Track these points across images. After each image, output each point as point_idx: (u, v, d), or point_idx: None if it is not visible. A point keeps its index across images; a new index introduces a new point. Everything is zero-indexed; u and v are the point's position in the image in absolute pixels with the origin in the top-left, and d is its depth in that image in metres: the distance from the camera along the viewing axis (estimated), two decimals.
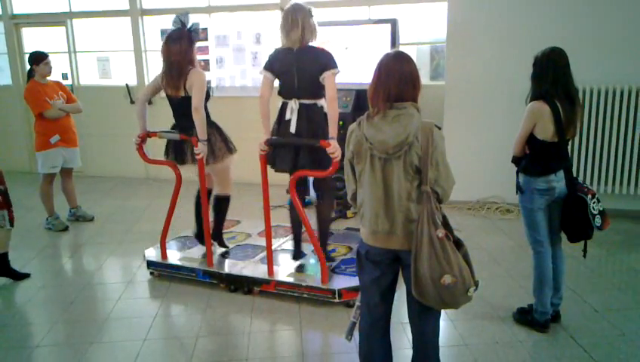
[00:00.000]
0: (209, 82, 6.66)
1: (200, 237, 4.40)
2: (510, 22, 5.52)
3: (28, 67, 5.51)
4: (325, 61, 3.63)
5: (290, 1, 3.86)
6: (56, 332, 3.65)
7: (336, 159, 3.52)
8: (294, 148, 3.80)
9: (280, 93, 3.83)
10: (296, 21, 3.64)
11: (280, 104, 3.85)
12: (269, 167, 3.93)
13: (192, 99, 3.88)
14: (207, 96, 4.05)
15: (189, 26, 3.98)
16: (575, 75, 3.19)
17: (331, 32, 5.44)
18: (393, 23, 5.46)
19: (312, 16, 3.72)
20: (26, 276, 4.51)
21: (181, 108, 4.02)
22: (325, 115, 3.72)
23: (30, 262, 4.83)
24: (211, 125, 4.11)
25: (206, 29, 6.97)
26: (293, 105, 3.74)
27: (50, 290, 4.32)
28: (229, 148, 4.22)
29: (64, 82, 6.18)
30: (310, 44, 3.74)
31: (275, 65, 3.76)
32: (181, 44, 3.91)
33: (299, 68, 3.67)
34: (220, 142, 4.14)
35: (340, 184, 5.27)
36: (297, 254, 4.28)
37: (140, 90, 7.33)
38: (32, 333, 3.65)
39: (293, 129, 3.76)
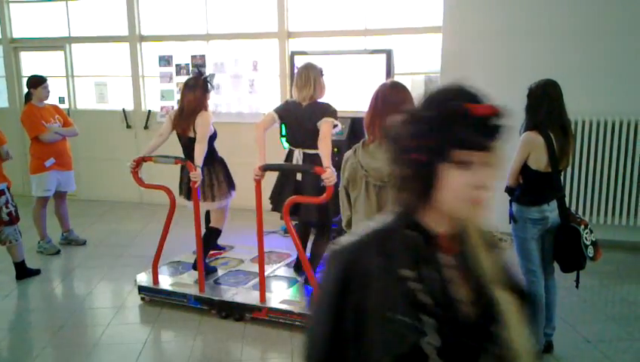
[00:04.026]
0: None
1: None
2: (503, 54, 5.61)
3: (25, 90, 5.54)
4: (326, 111, 3.90)
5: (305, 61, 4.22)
6: (44, 357, 3.60)
7: (330, 184, 3.55)
8: (295, 191, 3.94)
9: (287, 140, 4.14)
10: (310, 80, 3.96)
11: (287, 151, 4.14)
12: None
13: (197, 137, 4.17)
14: (215, 136, 4.35)
15: (205, 75, 4.35)
16: (567, 107, 3.24)
17: (328, 61, 5.51)
18: (388, 54, 5.55)
19: (322, 75, 4.03)
20: (38, 272, 4.96)
21: (190, 146, 4.24)
22: None
23: (20, 285, 4.79)
24: (218, 161, 4.40)
25: (204, 55, 7.05)
26: (298, 155, 4.01)
27: (40, 314, 4.27)
28: (229, 187, 4.44)
29: (61, 106, 6.21)
30: (318, 100, 4.01)
31: (284, 114, 4.04)
32: (195, 93, 4.22)
33: (305, 121, 3.93)
34: (222, 182, 4.37)
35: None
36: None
37: (136, 116, 7.43)
38: (19, 359, 3.60)
39: (299, 176, 4.00)
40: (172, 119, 4.32)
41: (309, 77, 3.95)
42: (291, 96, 4.19)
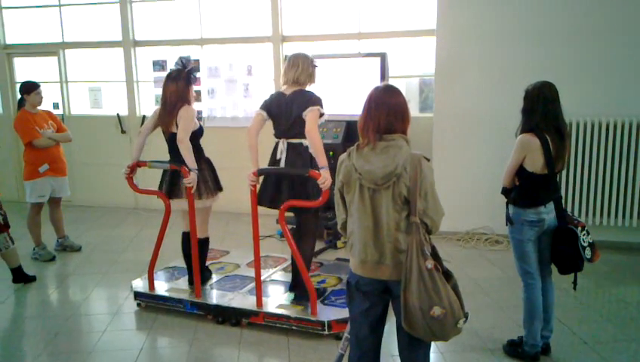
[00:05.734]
0: (200, 115, 6.73)
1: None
2: (497, 56, 5.62)
3: (19, 96, 5.52)
4: (311, 100, 3.79)
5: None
6: None
7: (325, 188, 3.53)
8: (275, 185, 3.89)
9: (274, 133, 4.01)
10: (297, 63, 3.88)
11: (274, 144, 4.01)
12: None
13: (177, 132, 4.02)
14: (201, 133, 4.22)
15: (189, 67, 4.19)
16: (563, 109, 3.24)
17: (322, 64, 5.51)
18: (383, 57, 5.55)
19: (313, 65, 3.93)
20: (34, 279, 4.95)
21: (173, 143, 4.11)
22: (311, 153, 3.79)
23: (16, 292, 4.76)
24: (204, 160, 4.26)
25: (198, 60, 7.04)
26: (282, 145, 3.90)
27: (35, 321, 4.24)
28: (216, 188, 4.31)
29: (55, 112, 6.19)
30: (305, 88, 3.91)
31: (270, 107, 3.93)
32: (178, 84, 4.10)
33: (289, 110, 3.83)
34: (208, 181, 4.24)
35: (330, 214, 5.28)
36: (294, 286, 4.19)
37: (131, 121, 7.40)
38: None
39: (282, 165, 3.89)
40: (156, 116, 4.19)
41: (297, 61, 3.87)
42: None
